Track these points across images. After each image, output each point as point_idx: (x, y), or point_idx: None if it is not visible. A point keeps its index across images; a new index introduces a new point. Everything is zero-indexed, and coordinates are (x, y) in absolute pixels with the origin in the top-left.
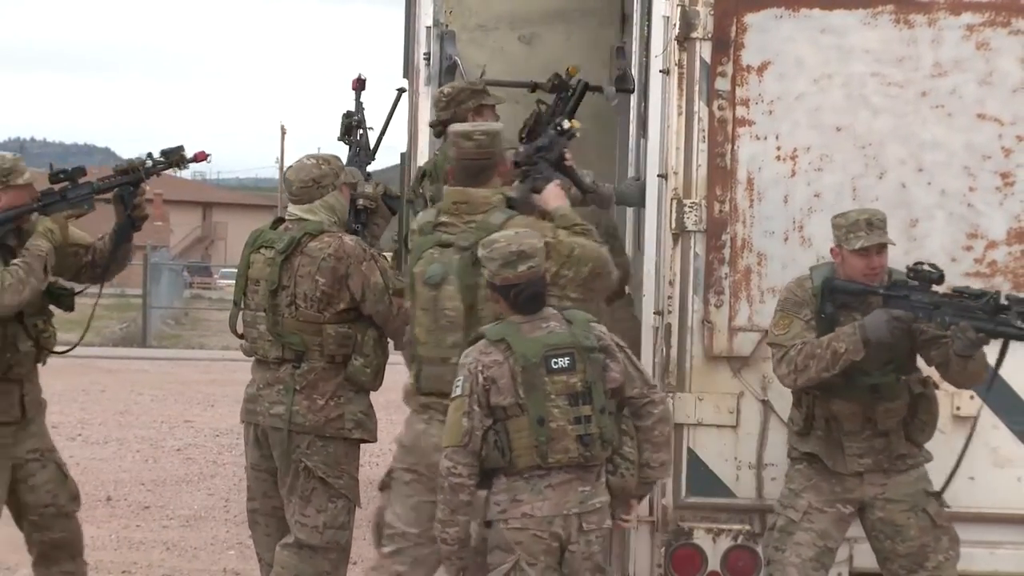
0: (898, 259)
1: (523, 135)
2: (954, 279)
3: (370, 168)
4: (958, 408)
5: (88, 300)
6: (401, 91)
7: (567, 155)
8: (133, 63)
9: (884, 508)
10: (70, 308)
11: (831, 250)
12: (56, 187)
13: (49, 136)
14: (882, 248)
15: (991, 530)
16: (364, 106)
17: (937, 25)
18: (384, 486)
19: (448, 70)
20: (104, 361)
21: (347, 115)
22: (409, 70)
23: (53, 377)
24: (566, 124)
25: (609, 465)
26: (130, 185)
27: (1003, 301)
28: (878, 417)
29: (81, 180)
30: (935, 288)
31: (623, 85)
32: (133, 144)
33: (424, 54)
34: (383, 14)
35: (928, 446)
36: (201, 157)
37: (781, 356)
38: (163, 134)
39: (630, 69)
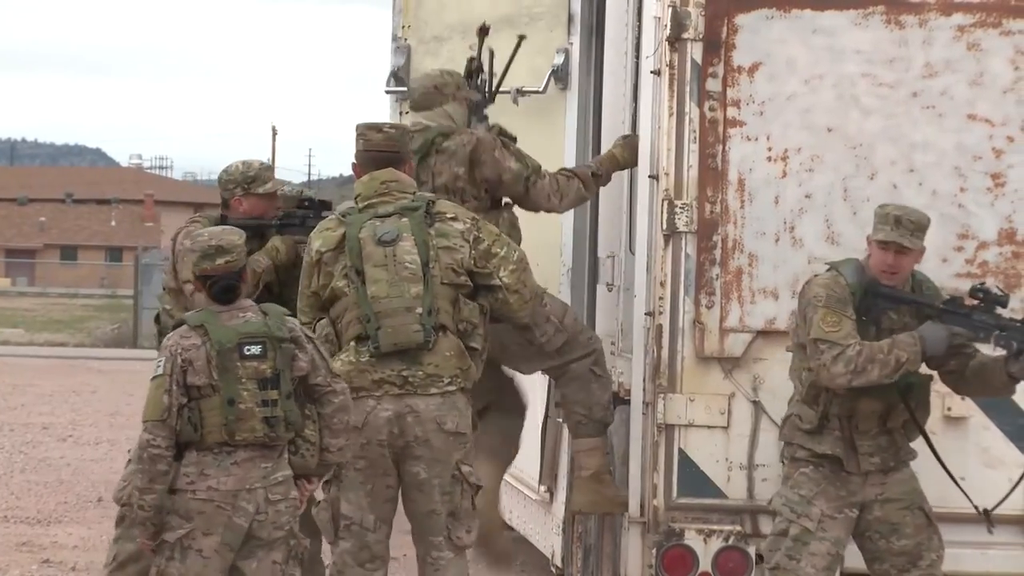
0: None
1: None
2: (945, 280)
3: None
4: (949, 409)
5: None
6: (522, 37)
7: None
8: (124, 64)
9: (883, 507)
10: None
11: (867, 239)
12: (298, 212)
13: (41, 137)
14: (902, 249)
15: (982, 531)
16: (492, 52)
17: (928, 26)
18: (334, 477)
19: (397, 81)
20: (95, 362)
21: (470, 60)
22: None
23: (44, 378)
24: None
25: (292, 446)
26: None
27: None
28: (893, 415)
29: (324, 212)
30: (999, 311)
31: (558, 83)
32: (124, 144)
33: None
34: (378, 15)
35: (917, 448)
36: None
37: (837, 355)
38: (155, 135)
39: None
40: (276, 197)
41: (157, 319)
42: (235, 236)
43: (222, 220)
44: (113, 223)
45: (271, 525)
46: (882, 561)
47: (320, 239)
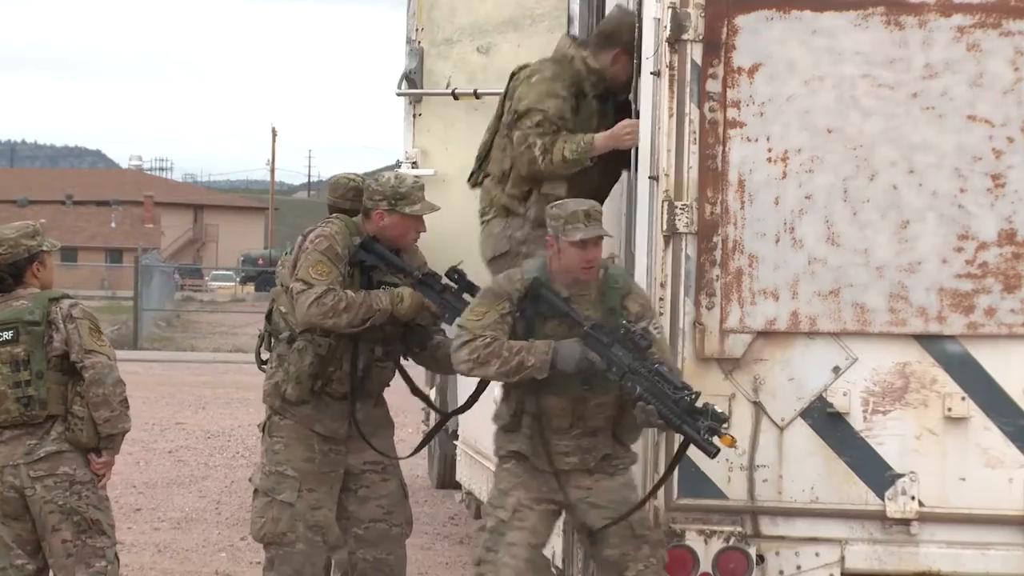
0: (890, 260)
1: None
2: (945, 281)
3: (362, 171)
4: (949, 409)
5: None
6: None
7: None
8: (124, 66)
9: (587, 514)
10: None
11: (546, 240)
12: (442, 282)
13: (40, 139)
14: (599, 241)
15: (982, 531)
16: None
17: (928, 27)
18: None
19: (409, 83)
20: None
21: None
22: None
23: None
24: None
25: (67, 422)
26: None
27: (700, 404)
28: (588, 414)
29: (464, 295)
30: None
31: None
32: (124, 146)
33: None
34: (375, 16)
35: (917, 448)
36: None
37: (465, 341)
38: (155, 136)
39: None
40: (422, 221)
41: (268, 316)
42: (9, 231)
43: (358, 229)
44: (113, 225)
45: (41, 501)
46: (596, 566)
47: None
